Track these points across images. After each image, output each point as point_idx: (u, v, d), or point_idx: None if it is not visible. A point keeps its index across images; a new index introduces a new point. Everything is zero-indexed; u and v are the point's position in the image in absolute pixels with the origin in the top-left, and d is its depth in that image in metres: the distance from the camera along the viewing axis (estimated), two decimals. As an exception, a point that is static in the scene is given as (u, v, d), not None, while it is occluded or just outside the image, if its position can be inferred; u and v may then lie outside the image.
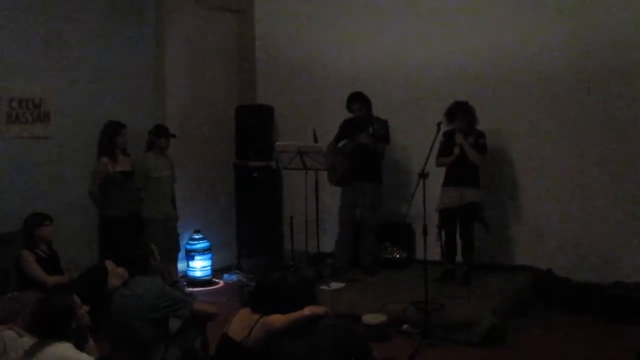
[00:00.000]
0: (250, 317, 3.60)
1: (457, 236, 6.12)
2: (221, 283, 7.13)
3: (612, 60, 6.11)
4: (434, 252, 5.86)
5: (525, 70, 6.46)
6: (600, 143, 6.22)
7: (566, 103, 6.33)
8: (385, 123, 6.26)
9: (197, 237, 7.10)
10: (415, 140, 6.43)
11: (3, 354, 3.49)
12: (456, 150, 5.99)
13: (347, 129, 6.58)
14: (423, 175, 5.21)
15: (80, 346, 3.29)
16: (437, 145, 5.39)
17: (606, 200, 6.20)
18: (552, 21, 6.34)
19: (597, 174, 6.25)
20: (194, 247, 7.06)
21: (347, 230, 6.66)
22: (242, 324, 3.61)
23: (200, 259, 7.07)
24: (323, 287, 5.96)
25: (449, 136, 6.07)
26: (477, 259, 6.24)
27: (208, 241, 7.13)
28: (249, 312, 3.64)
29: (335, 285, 6.16)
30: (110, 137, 5.98)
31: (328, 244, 6.81)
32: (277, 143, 6.78)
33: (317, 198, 6.42)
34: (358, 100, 6.42)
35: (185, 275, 7.03)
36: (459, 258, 6.19)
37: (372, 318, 5.26)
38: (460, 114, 5.97)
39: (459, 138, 5.97)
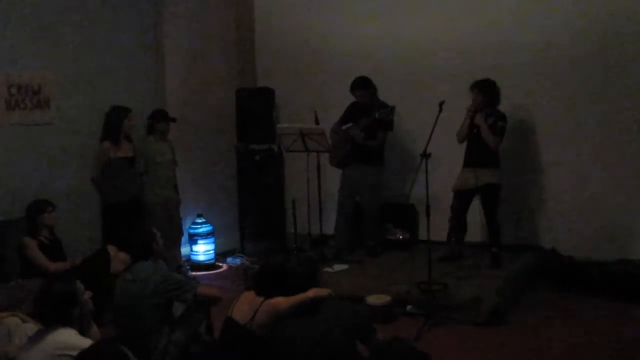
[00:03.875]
0: (254, 300, 3.60)
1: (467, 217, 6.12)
2: (225, 267, 7.14)
3: (634, 30, 6.00)
4: (437, 233, 5.84)
5: (532, 45, 6.39)
6: (606, 120, 6.17)
7: (571, 74, 6.27)
8: (392, 109, 6.21)
9: (199, 221, 7.10)
10: (418, 121, 6.38)
11: (7, 340, 3.50)
12: (466, 119, 5.93)
13: (352, 113, 6.54)
14: (425, 155, 5.19)
15: (83, 332, 3.29)
16: (440, 125, 5.35)
17: (611, 178, 6.17)
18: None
19: (601, 152, 6.21)
20: (196, 231, 7.07)
21: (347, 213, 6.64)
22: (246, 307, 3.61)
23: (204, 243, 7.08)
24: (326, 269, 5.97)
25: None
26: (481, 238, 6.23)
27: (211, 225, 7.13)
28: (253, 296, 3.64)
29: (338, 267, 6.17)
30: (117, 122, 5.96)
31: (331, 226, 6.80)
32: (278, 126, 6.76)
33: (319, 180, 6.41)
34: (361, 87, 6.38)
35: (188, 260, 7.04)
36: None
37: (376, 299, 5.27)
38: (478, 89, 5.92)
39: (477, 118, 5.91)
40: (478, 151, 5.96)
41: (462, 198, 6.06)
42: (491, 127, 5.89)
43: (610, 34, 6.08)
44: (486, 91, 5.91)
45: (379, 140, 6.40)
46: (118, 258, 4.92)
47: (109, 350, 2.74)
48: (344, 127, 6.53)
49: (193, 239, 7.07)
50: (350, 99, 6.55)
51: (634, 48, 6.03)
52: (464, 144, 6.10)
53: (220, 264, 7.18)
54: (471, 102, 5.97)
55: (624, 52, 6.07)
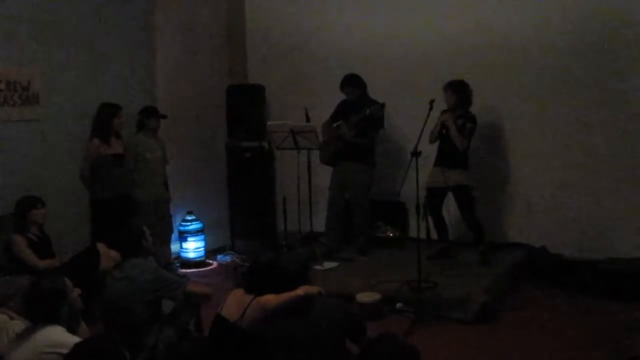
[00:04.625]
0: (243, 297, 3.59)
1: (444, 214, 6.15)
2: (215, 264, 7.13)
3: (610, 30, 6.07)
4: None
5: (521, 45, 6.43)
6: (595, 119, 6.21)
7: (561, 76, 6.31)
8: (382, 106, 6.22)
9: (189, 218, 7.09)
10: (409, 119, 6.39)
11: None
12: (438, 121, 5.95)
13: (342, 110, 6.54)
14: (416, 154, 5.20)
15: (72, 329, 3.28)
16: (430, 124, 5.36)
17: (600, 176, 6.20)
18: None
19: (590, 150, 6.24)
20: (186, 228, 7.05)
21: (336, 211, 6.64)
22: (235, 304, 3.60)
23: (193, 240, 7.06)
24: (316, 266, 5.97)
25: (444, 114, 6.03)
26: (470, 236, 6.24)
27: (201, 222, 7.12)
28: (243, 293, 3.63)
29: (328, 264, 6.17)
30: (107, 119, 5.92)
31: (321, 224, 6.81)
32: (268, 123, 6.75)
33: (309, 178, 6.40)
34: (350, 84, 6.38)
35: (178, 257, 7.03)
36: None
37: (366, 297, 5.28)
38: (451, 89, 5.93)
39: (445, 117, 5.93)
40: (447, 152, 5.99)
41: (432, 196, 6.05)
42: (460, 129, 5.90)
43: (590, 35, 6.14)
44: (459, 91, 5.92)
45: (371, 138, 6.41)
46: (108, 255, 4.88)
47: (108, 349, 2.71)
48: (334, 125, 6.53)
49: (183, 236, 7.06)
50: (341, 96, 6.55)
51: (614, 48, 6.08)
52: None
53: (210, 262, 7.17)
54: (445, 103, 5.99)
55: (604, 52, 6.11)
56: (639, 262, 5.77)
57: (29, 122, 5.83)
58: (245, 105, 7.37)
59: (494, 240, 6.52)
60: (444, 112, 6.02)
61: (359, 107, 6.31)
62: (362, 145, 6.39)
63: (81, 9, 6.21)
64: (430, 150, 5.90)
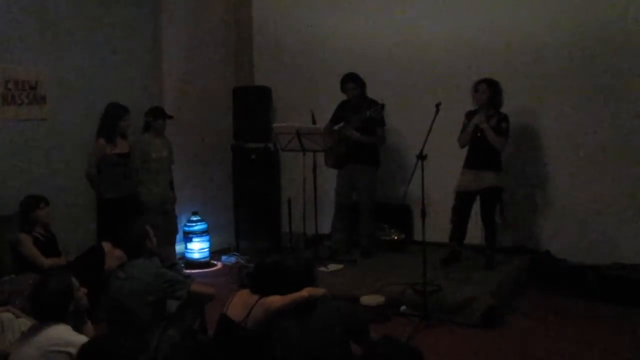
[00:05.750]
0: (249, 298, 3.60)
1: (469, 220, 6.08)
2: (219, 265, 7.14)
3: (627, 35, 6.03)
4: (432, 234, 5.84)
5: (531, 47, 6.40)
6: (601, 124, 6.18)
7: (567, 79, 6.28)
8: (382, 107, 6.22)
9: (194, 219, 7.10)
10: (415, 122, 6.37)
11: (1, 335, 3.49)
12: (471, 123, 5.87)
13: (343, 112, 6.54)
14: (421, 157, 5.18)
15: (78, 328, 3.29)
16: (436, 127, 5.34)
17: (605, 180, 6.18)
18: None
19: (596, 154, 6.23)
20: (191, 229, 7.06)
21: (343, 213, 6.64)
22: (241, 305, 3.61)
23: (198, 241, 7.08)
24: (321, 268, 5.96)
25: (471, 116, 5.95)
26: (475, 240, 6.23)
27: (206, 223, 7.13)
28: (248, 293, 3.64)
29: (333, 266, 6.17)
30: (113, 120, 5.93)
31: (326, 226, 6.81)
32: (274, 124, 6.76)
33: (315, 179, 6.41)
34: (351, 80, 6.38)
35: (183, 257, 7.04)
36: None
37: (370, 299, 5.27)
38: (486, 84, 5.84)
39: (478, 119, 5.85)
40: (481, 153, 5.88)
41: (463, 200, 6.01)
42: (494, 128, 5.86)
43: (612, 37, 6.07)
44: (493, 88, 5.84)
45: (379, 137, 6.41)
46: (113, 255, 4.91)
47: (123, 347, 2.71)
48: (336, 128, 6.53)
49: (188, 237, 7.07)
50: (344, 98, 6.55)
51: (635, 51, 6.03)
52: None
53: (215, 262, 7.18)
54: (472, 104, 5.94)
55: (625, 55, 6.06)
56: (644, 268, 5.76)
57: (36, 122, 5.86)
58: (251, 106, 7.39)
59: (500, 244, 6.50)
60: (469, 113, 5.96)
61: (358, 108, 6.32)
62: (370, 145, 6.39)
63: (89, 11, 6.24)
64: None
